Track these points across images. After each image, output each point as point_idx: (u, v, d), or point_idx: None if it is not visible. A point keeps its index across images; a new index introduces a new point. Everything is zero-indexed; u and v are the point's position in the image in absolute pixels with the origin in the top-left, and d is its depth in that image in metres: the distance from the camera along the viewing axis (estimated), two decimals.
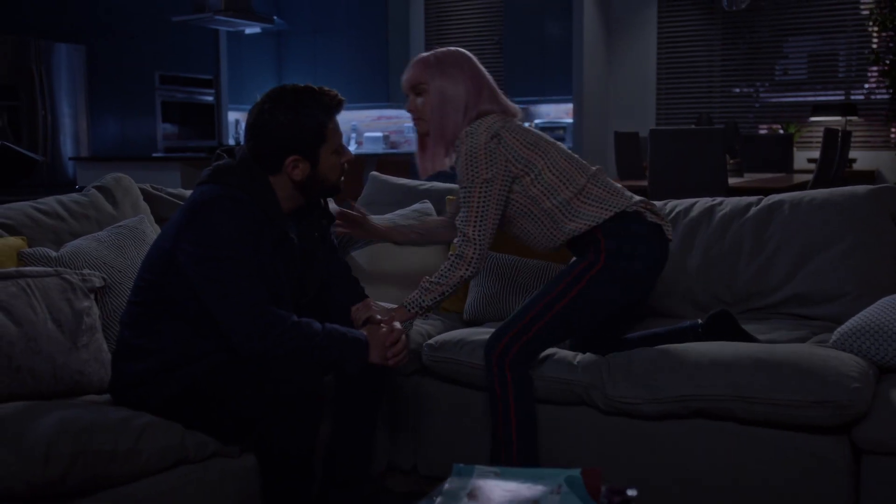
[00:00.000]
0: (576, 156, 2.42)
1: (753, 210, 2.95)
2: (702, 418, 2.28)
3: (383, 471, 2.67)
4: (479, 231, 2.28)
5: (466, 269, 2.28)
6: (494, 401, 2.31)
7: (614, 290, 2.33)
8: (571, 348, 2.53)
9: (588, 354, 2.43)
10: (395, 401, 2.65)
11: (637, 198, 2.38)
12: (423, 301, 2.29)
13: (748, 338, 2.48)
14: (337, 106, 2.13)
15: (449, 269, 2.29)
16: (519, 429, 2.30)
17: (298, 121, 2.06)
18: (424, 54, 2.41)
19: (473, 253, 2.27)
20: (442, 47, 2.46)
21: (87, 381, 2.16)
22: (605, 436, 2.38)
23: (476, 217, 2.27)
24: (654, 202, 3.15)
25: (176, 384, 2.04)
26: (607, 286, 2.31)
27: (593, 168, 2.41)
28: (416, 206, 3.25)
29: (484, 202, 2.27)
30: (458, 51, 2.41)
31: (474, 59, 2.41)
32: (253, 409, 1.97)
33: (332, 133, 2.13)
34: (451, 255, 2.30)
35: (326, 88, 2.15)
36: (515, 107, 2.44)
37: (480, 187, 2.27)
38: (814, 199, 2.86)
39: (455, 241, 2.33)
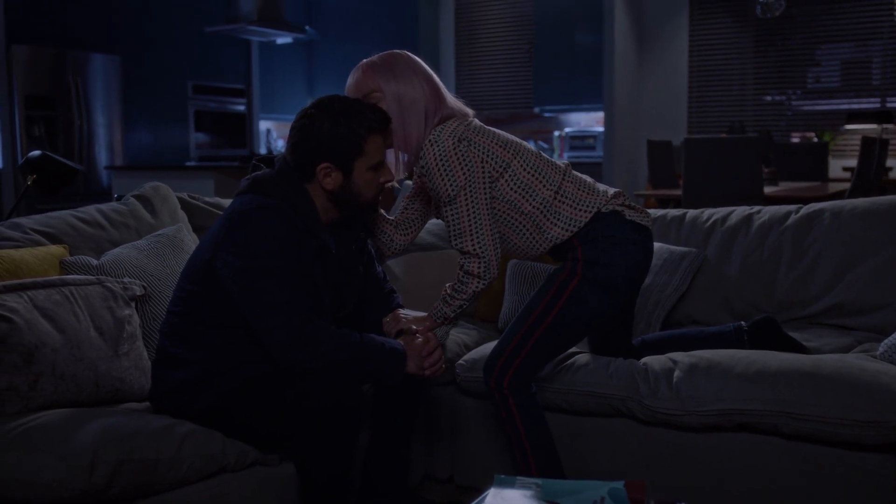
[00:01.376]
0: (543, 154, 2.29)
1: (793, 218, 2.92)
2: (745, 432, 2.24)
3: (419, 480, 2.65)
4: (478, 243, 2.14)
5: (478, 283, 2.18)
6: (504, 425, 2.29)
7: (595, 302, 2.21)
8: (592, 352, 2.50)
9: (620, 361, 2.39)
10: (431, 410, 2.64)
11: (611, 191, 2.26)
12: (445, 311, 2.25)
13: (795, 345, 2.43)
14: (380, 122, 2.09)
15: (461, 284, 2.20)
16: (534, 451, 2.26)
17: (337, 130, 2.06)
18: (368, 59, 2.20)
19: (479, 266, 2.16)
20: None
21: (127, 389, 2.17)
22: (643, 447, 2.36)
23: (470, 229, 2.14)
24: (689, 210, 3.15)
25: (214, 394, 2.05)
26: (587, 299, 2.20)
27: (563, 164, 2.28)
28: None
29: (474, 210, 2.13)
30: (403, 53, 2.21)
31: (420, 60, 2.24)
32: (291, 422, 1.97)
33: (371, 148, 2.08)
34: (459, 271, 2.20)
35: (375, 105, 2.12)
36: (468, 108, 2.26)
37: (464, 196, 2.12)
38: (856, 207, 2.83)
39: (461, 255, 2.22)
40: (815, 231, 2.85)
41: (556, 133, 9.02)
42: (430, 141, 2.13)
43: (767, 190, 5.20)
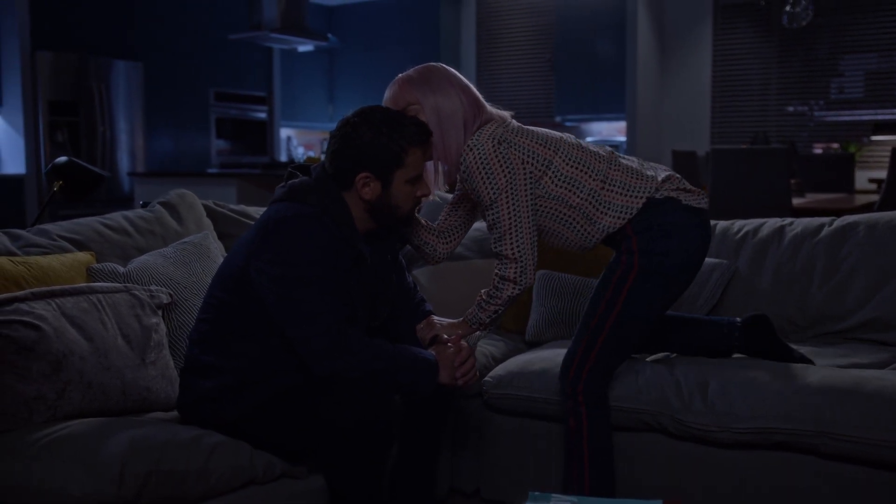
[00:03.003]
0: (584, 143, 2.26)
1: (826, 231, 2.87)
2: (782, 450, 2.19)
3: (446, 493, 2.62)
4: (517, 246, 2.13)
5: (514, 288, 2.16)
6: (568, 431, 2.26)
7: (657, 293, 2.18)
8: None
9: (649, 372, 2.34)
10: (458, 422, 2.61)
11: (662, 174, 2.21)
12: (481, 317, 2.24)
13: (785, 349, 2.39)
14: (422, 136, 2.08)
15: (496, 290, 2.18)
16: (592, 469, 2.22)
17: (379, 140, 2.03)
18: (404, 73, 2.18)
19: (515, 271, 2.14)
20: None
21: (154, 398, 2.15)
22: (676, 464, 2.31)
23: (510, 232, 2.12)
24: (719, 221, 3.10)
25: (245, 404, 2.02)
26: (649, 292, 2.17)
27: (606, 152, 2.25)
28: (477, 224, 3.20)
29: (514, 213, 2.11)
30: (440, 65, 2.20)
31: (456, 71, 2.22)
32: (322, 435, 1.94)
33: (411, 161, 2.07)
34: (495, 276, 2.18)
35: (417, 119, 2.10)
36: (505, 112, 2.25)
37: (506, 199, 2.10)
38: (892, 220, 2.78)
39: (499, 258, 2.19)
40: (850, 244, 2.80)
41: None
42: (469, 146, 2.12)
43: (796, 201, 5.15)
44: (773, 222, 3.01)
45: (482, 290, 2.24)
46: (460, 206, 2.38)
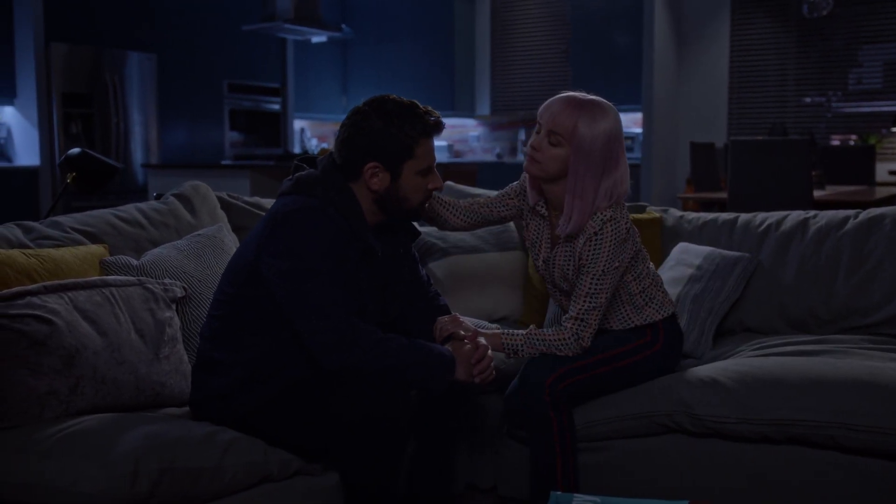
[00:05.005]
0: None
1: (851, 223, 2.82)
2: (801, 445, 2.17)
3: (462, 489, 2.58)
4: (597, 318, 2.21)
5: (577, 351, 2.21)
6: (540, 427, 2.23)
7: (654, 370, 2.34)
8: None
9: (658, 379, 2.34)
10: (474, 418, 2.57)
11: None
12: (522, 350, 2.23)
13: None
14: (435, 127, 2.05)
15: (559, 342, 2.20)
16: (564, 465, 2.22)
17: (389, 130, 2.00)
18: (585, 106, 2.16)
19: (588, 338, 2.20)
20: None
21: (167, 393, 2.12)
22: (698, 464, 2.28)
23: (601, 305, 2.20)
24: (741, 214, 3.05)
25: (257, 400, 1.99)
26: (654, 365, 2.33)
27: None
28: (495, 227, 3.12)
29: (609, 290, 2.20)
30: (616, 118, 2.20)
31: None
32: (337, 432, 1.91)
33: (422, 152, 2.04)
34: (567, 332, 2.19)
35: (430, 109, 2.07)
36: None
37: (611, 276, 2.19)
38: None
39: (568, 318, 2.21)
40: (876, 237, 2.76)
41: None
42: (612, 217, 2.18)
43: (817, 194, 5.07)
44: (796, 215, 2.96)
45: (536, 329, 2.24)
46: (499, 208, 2.41)
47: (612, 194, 2.18)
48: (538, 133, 2.22)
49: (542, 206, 2.31)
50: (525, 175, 2.31)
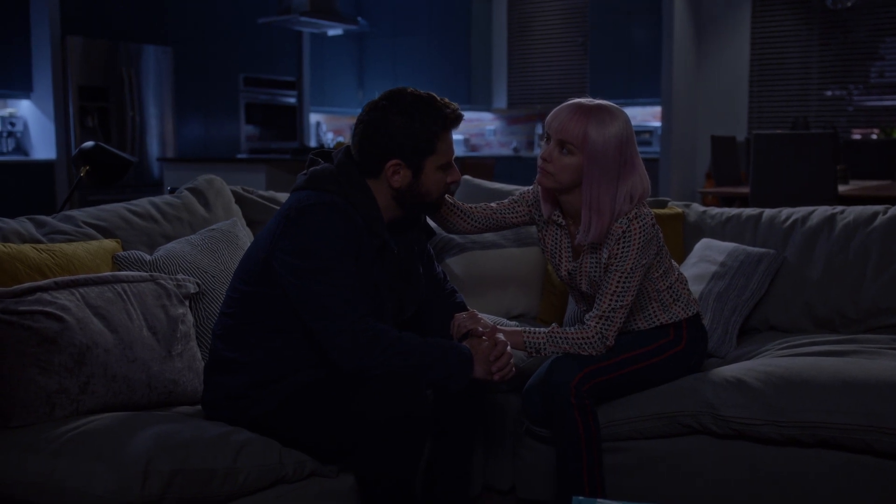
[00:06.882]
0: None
1: (880, 219, 2.75)
2: (832, 449, 2.11)
3: (479, 490, 2.53)
4: (623, 316, 2.17)
5: (601, 350, 2.17)
6: (565, 429, 2.17)
7: (679, 370, 2.31)
8: None
9: (681, 379, 2.29)
10: (492, 418, 2.52)
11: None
12: (545, 349, 2.18)
13: None
14: (455, 120, 2.00)
15: (583, 341, 2.16)
16: (589, 467, 2.17)
17: (411, 126, 1.94)
18: (592, 112, 2.13)
19: (612, 337, 2.17)
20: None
21: (180, 391, 2.08)
22: (722, 466, 2.22)
23: (627, 304, 2.16)
24: (765, 209, 2.98)
25: (271, 401, 1.94)
26: (678, 365, 2.30)
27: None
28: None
29: (635, 288, 2.17)
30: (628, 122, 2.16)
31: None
32: (354, 433, 1.85)
33: (443, 147, 2.00)
34: (591, 331, 2.15)
35: (448, 101, 2.01)
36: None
37: (638, 274, 2.15)
38: None
39: (592, 316, 2.17)
40: None
41: None
42: (638, 215, 2.15)
43: (841, 188, 4.98)
44: (822, 210, 2.89)
45: (559, 328, 2.19)
46: (510, 214, 2.37)
47: (632, 197, 2.15)
48: (547, 143, 2.18)
49: (559, 216, 2.27)
50: (537, 185, 2.26)
